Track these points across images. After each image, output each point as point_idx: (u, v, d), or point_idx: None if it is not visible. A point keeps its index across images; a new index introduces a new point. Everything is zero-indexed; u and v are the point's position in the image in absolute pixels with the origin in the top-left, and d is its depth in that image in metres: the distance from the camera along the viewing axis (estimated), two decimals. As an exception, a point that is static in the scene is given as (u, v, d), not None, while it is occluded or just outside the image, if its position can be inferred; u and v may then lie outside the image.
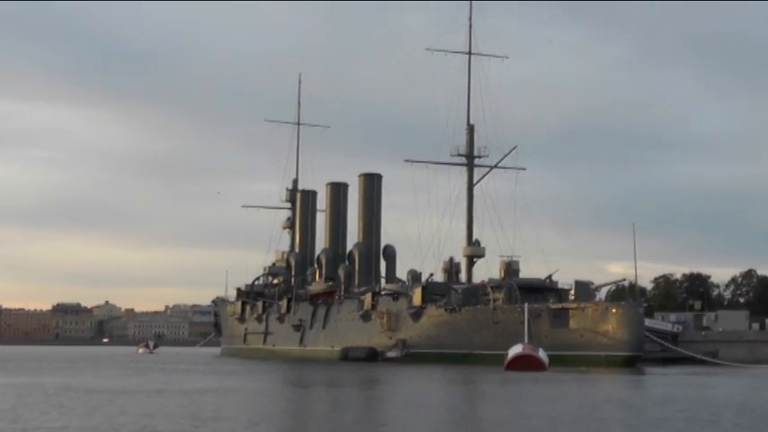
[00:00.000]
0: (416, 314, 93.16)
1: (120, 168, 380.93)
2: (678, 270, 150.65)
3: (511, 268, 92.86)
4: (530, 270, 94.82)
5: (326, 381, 55.54)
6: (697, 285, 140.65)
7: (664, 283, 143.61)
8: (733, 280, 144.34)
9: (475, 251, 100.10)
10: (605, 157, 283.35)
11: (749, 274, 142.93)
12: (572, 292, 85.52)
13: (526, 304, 79.79)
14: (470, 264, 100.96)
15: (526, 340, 74.35)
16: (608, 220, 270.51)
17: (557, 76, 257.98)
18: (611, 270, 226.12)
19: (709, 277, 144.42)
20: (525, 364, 66.85)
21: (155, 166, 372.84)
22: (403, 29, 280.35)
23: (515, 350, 69.88)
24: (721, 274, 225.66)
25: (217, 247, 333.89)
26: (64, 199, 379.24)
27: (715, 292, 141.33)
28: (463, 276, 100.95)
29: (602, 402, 36.60)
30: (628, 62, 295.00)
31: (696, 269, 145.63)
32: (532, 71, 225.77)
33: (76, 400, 34.53)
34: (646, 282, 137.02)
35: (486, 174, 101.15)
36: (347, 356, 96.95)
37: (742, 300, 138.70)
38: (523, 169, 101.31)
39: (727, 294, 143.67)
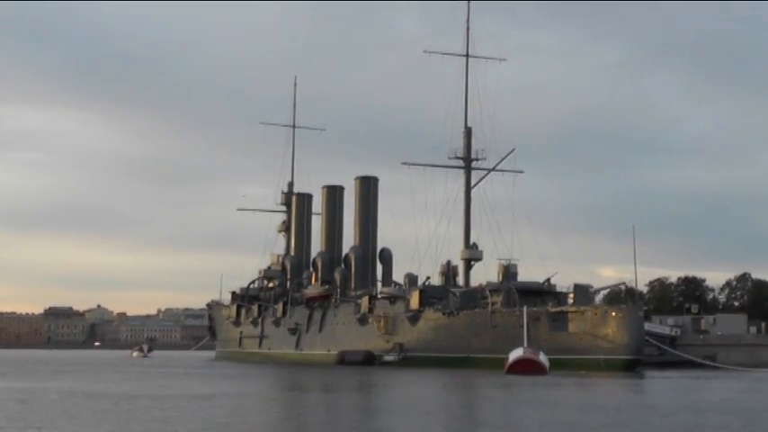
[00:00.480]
0: (414, 318, 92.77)
1: (111, 171, 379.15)
2: (672, 274, 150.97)
3: (509, 271, 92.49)
4: (526, 273, 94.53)
5: (327, 385, 55.21)
6: (692, 289, 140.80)
7: (658, 286, 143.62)
8: (728, 283, 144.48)
9: (472, 254, 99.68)
10: (597, 161, 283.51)
11: (744, 277, 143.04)
12: (571, 295, 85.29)
13: (525, 308, 79.49)
14: (468, 267, 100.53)
15: (525, 344, 73.95)
16: (598, 224, 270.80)
17: (548, 79, 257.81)
18: (602, 274, 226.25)
19: (704, 281, 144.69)
20: (526, 368, 66.39)
21: (147, 169, 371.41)
22: (399, 31, 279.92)
23: (516, 354, 69.35)
24: (715, 277, 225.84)
25: (210, 251, 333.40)
26: (54, 202, 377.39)
27: (710, 296, 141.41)
28: (460, 280, 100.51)
29: (624, 407, 36.27)
30: (621, 65, 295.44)
31: (690, 273, 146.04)
32: (526, 74, 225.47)
33: (83, 405, 34.12)
34: (640, 285, 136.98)
35: (484, 177, 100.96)
36: (344, 360, 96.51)
37: (737, 303, 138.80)
38: (521, 172, 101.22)
39: (722, 298, 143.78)
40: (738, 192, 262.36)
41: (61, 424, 27.04)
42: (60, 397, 38.52)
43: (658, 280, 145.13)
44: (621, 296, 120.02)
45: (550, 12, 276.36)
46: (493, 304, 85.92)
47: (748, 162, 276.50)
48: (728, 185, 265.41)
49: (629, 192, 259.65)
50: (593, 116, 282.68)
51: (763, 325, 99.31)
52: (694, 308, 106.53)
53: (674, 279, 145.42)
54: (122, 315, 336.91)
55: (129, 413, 30.63)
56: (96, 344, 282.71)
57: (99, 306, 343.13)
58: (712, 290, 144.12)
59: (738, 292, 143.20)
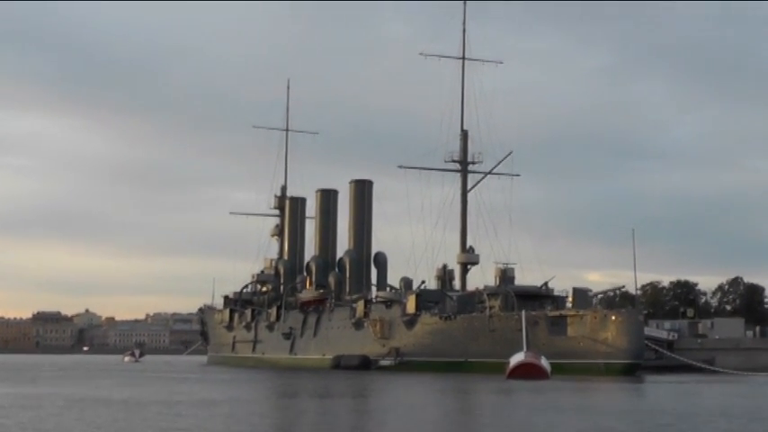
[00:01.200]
0: (410, 322, 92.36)
1: (101, 176, 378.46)
2: (663, 278, 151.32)
3: (506, 275, 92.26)
4: (522, 277, 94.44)
5: (330, 390, 54.80)
6: (685, 293, 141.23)
7: (651, 290, 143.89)
8: (720, 287, 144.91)
9: (469, 258, 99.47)
10: (588, 166, 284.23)
11: (736, 281, 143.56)
12: (569, 299, 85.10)
13: (523, 311, 79.20)
14: (464, 271, 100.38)
15: (525, 348, 73.61)
16: (586, 229, 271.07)
17: (545, 82, 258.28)
18: (589, 279, 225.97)
19: (696, 285, 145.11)
20: (528, 372, 65.91)
21: (137, 173, 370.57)
22: (394, 34, 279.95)
23: (517, 358, 68.76)
24: (707, 281, 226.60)
25: (201, 255, 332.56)
26: (43, 206, 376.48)
27: (702, 300, 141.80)
28: (457, 284, 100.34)
29: (633, 412, 36.00)
30: (616, 69, 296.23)
31: (682, 277, 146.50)
32: (522, 77, 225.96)
33: (94, 412, 33.60)
34: (633, 289, 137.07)
35: (481, 180, 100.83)
36: (339, 365, 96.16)
37: (729, 307, 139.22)
38: (518, 175, 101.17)
39: (714, 302, 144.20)
40: (729, 196, 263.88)
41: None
42: (69, 403, 37.96)
43: (651, 284, 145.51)
44: (616, 300, 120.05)
45: (546, 15, 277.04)
46: (491, 308, 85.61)
47: (738, 167, 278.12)
48: (719, 190, 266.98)
49: (621, 196, 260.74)
50: (590, 120, 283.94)
51: (758, 329, 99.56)
52: (690, 312, 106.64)
53: (665, 283, 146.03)
54: (111, 320, 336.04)
55: (144, 421, 30.14)
56: (84, 348, 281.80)
57: (87, 311, 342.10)
58: (704, 294, 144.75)
59: (731, 296, 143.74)
